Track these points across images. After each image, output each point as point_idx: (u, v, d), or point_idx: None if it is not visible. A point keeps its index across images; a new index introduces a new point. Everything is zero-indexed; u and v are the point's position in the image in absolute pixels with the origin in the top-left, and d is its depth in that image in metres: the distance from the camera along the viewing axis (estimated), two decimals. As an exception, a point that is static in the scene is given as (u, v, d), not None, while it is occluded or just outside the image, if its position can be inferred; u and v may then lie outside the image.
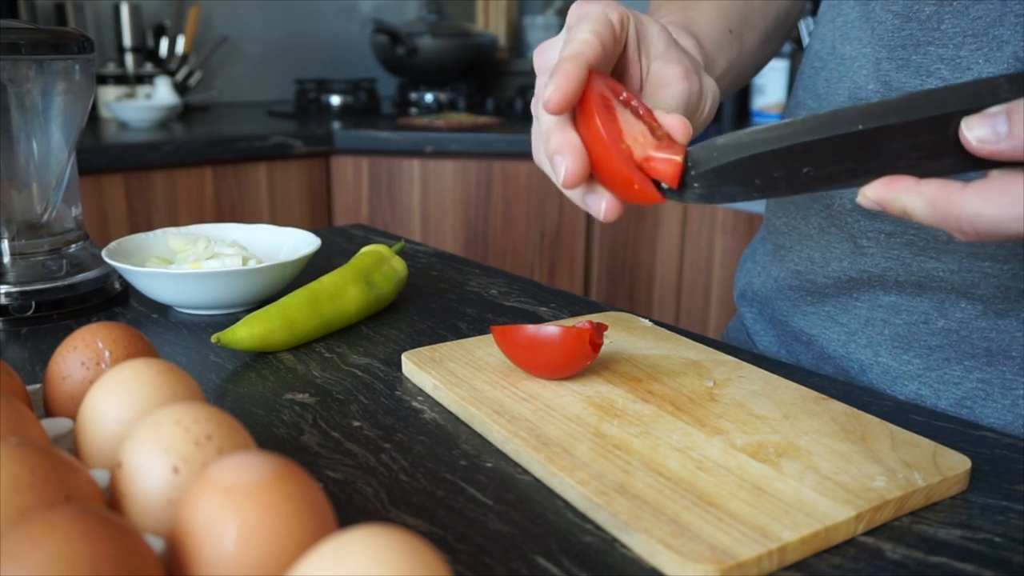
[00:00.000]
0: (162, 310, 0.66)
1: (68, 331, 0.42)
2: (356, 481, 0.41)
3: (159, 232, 0.71)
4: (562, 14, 2.37)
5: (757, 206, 1.48)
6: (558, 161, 0.40)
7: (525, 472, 0.42)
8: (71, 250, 0.67)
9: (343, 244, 0.87)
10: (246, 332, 0.55)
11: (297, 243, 0.71)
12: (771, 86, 1.91)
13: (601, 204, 0.42)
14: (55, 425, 0.37)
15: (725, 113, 1.96)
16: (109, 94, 1.86)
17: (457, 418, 0.48)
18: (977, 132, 0.33)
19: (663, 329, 0.59)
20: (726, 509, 0.36)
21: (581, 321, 0.50)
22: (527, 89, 2.11)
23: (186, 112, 1.96)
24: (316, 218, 1.72)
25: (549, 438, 0.43)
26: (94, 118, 1.85)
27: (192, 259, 0.66)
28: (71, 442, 0.37)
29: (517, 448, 0.42)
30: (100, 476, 0.32)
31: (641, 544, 0.35)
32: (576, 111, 0.41)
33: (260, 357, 0.57)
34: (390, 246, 0.71)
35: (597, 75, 0.42)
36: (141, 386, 0.35)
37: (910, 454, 0.41)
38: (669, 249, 1.68)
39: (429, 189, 1.71)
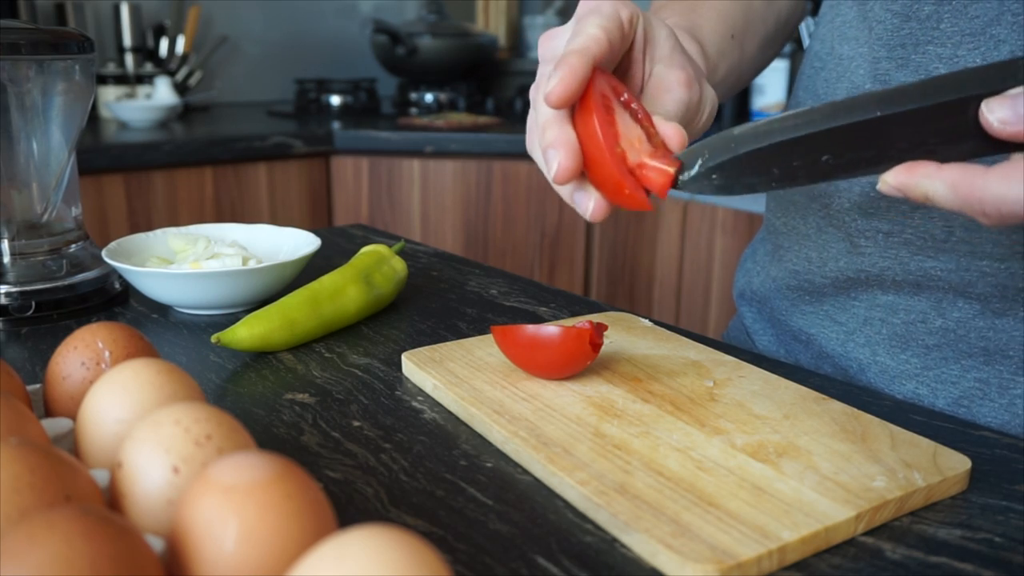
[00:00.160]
0: (162, 310, 0.66)
1: (68, 331, 0.42)
2: (356, 481, 0.41)
3: (159, 232, 0.71)
4: (562, 14, 2.37)
5: (758, 206, 1.48)
6: (551, 155, 0.40)
7: (525, 472, 0.42)
8: (71, 250, 0.67)
9: (343, 244, 0.87)
10: (246, 332, 0.55)
11: (297, 243, 0.71)
12: (771, 86, 1.91)
13: (589, 204, 0.42)
14: (55, 425, 0.37)
15: (725, 113, 1.96)
16: (109, 94, 1.86)
17: (457, 418, 0.48)
18: (999, 114, 0.33)
19: (663, 329, 0.59)
20: (726, 509, 0.36)
21: (581, 321, 0.50)
22: (527, 89, 2.11)
23: (186, 112, 1.96)
24: (316, 218, 1.72)
25: (549, 438, 0.43)
26: (94, 118, 1.85)
27: (192, 259, 0.66)
28: (71, 442, 0.37)
29: (517, 448, 0.42)
30: (100, 476, 0.32)
31: (641, 544, 0.35)
32: (575, 107, 0.41)
33: (260, 357, 0.57)
34: (390, 246, 0.71)
35: (601, 72, 0.41)
36: (141, 386, 0.35)
37: (910, 454, 0.41)
38: (669, 249, 1.68)
39: (429, 189, 1.71)
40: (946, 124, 0.35)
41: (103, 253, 0.64)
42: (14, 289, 0.62)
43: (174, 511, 0.28)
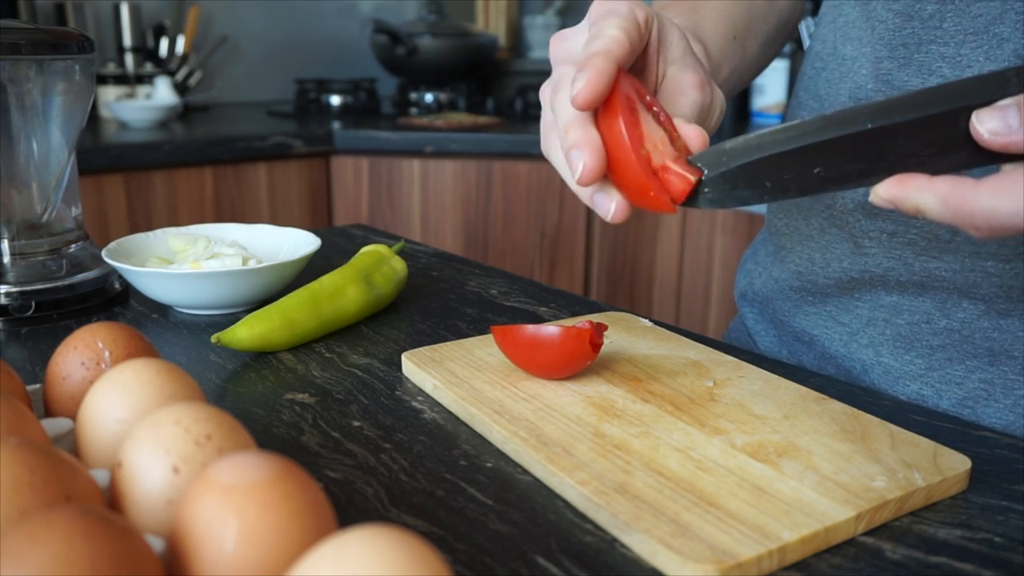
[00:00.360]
0: (162, 310, 0.66)
1: (68, 331, 0.42)
2: (356, 481, 0.41)
3: (159, 232, 0.71)
4: (562, 14, 2.37)
5: (758, 207, 1.48)
6: (576, 156, 0.40)
7: (525, 472, 0.42)
8: (71, 250, 0.67)
9: (343, 244, 0.87)
10: (246, 332, 0.55)
11: (297, 243, 0.71)
12: (771, 86, 1.91)
13: (611, 205, 0.41)
14: (55, 425, 0.37)
15: (726, 112, 1.96)
16: (109, 94, 1.86)
17: (457, 418, 0.48)
18: (989, 125, 0.33)
19: (663, 329, 0.59)
20: (726, 509, 0.36)
21: (581, 321, 0.50)
22: (527, 89, 2.11)
23: (186, 112, 1.96)
24: (316, 218, 1.72)
25: (549, 438, 0.43)
26: (94, 118, 1.85)
27: (192, 259, 0.66)
28: (71, 442, 0.37)
29: (517, 448, 0.42)
30: (100, 476, 0.32)
31: (641, 544, 0.35)
32: (599, 109, 0.41)
33: (260, 357, 0.57)
34: (390, 246, 0.71)
35: (625, 75, 0.41)
36: (141, 386, 0.35)
37: (910, 454, 0.41)
38: (669, 249, 1.68)
39: (429, 189, 1.71)
40: (937, 136, 0.35)
41: (103, 253, 0.64)
42: (14, 289, 0.62)
43: (174, 511, 0.28)
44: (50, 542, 0.23)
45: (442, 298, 0.70)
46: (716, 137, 0.44)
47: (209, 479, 0.27)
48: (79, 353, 0.40)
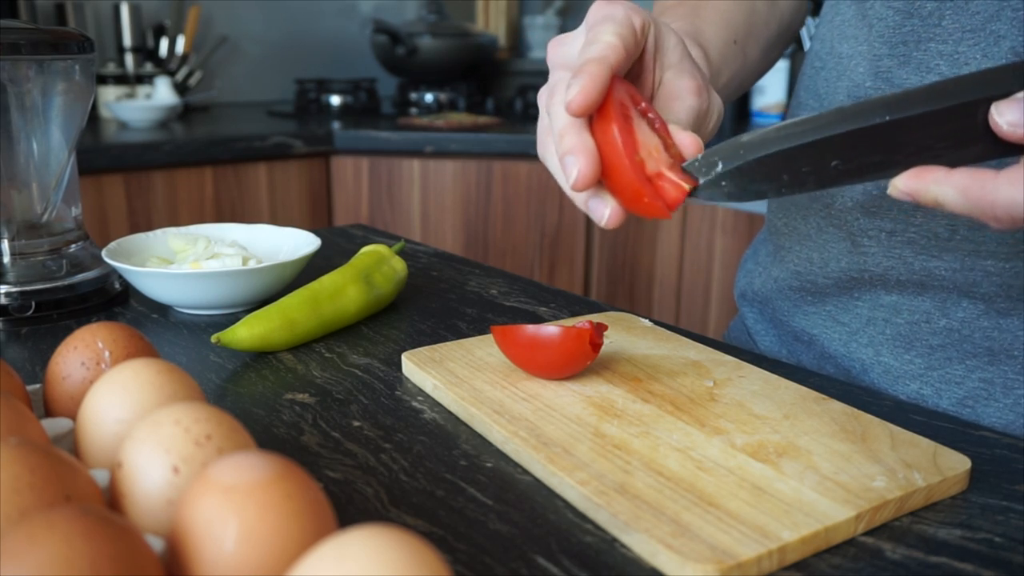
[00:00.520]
0: (162, 310, 0.66)
1: (68, 331, 0.42)
2: (356, 481, 0.41)
3: (159, 232, 0.71)
4: (562, 14, 2.37)
5: (758, 206, 1.48)
6: (570, 162, 0.40)
7: (525, 472, 0.42)
8: (71, 250, 0.67)
9: (343, 244, 0.87)
10: (246, 332, 0.55)
11: (297, 243, 0.71)
12: (771, 86, 1.91)
13: (605, 211, 0.42)
14: (55, 425, 0.37)
15: (725, 113, 1.96)
16: (109, 94, 1.86)
17: (457, 418, 0.48)
18: (1008, 116, 0.33)
19: (663, 329, 0.59)
20: (726, 509, 0.36)
21: (581, 321, 0.50)
22: (527, 89, 2.11)
23: (186, 112, 1.96)
24: (316, 218, 1.72)
25: (549, 438, 0.43)
26: (94, 118, 1.85)
27: (192, 259, 0.66)
28: (71, 442, 0.37)
29: (517, 448, 0.42)
30: (100, 476, 0.32)
31: (641, 544, 0.35)
32: (594, 115, 0.41)
33: (260, 357, 0.57)
34: (390, 246, 0.71)
35: (620, 81, 0.41)
36: (141, 386, 0.35)
37: (910, 454, 0.41)
38: (669, 249, 1.68)
39: (429, 189, 1.71)
40: (955, 128, 0.35)
41: (103, 253, 0.64)
42: (14, 289, 0.62)
43: (174, 511, 0.28)
44: (50, 542, 0.23)
45: (442, 298, 0.70)
46: (716, 139, 0.44)
47: (209, 479, 0.27)
48: (79, 353, 0.40)
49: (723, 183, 0.39)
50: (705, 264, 1.61)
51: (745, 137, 0.38)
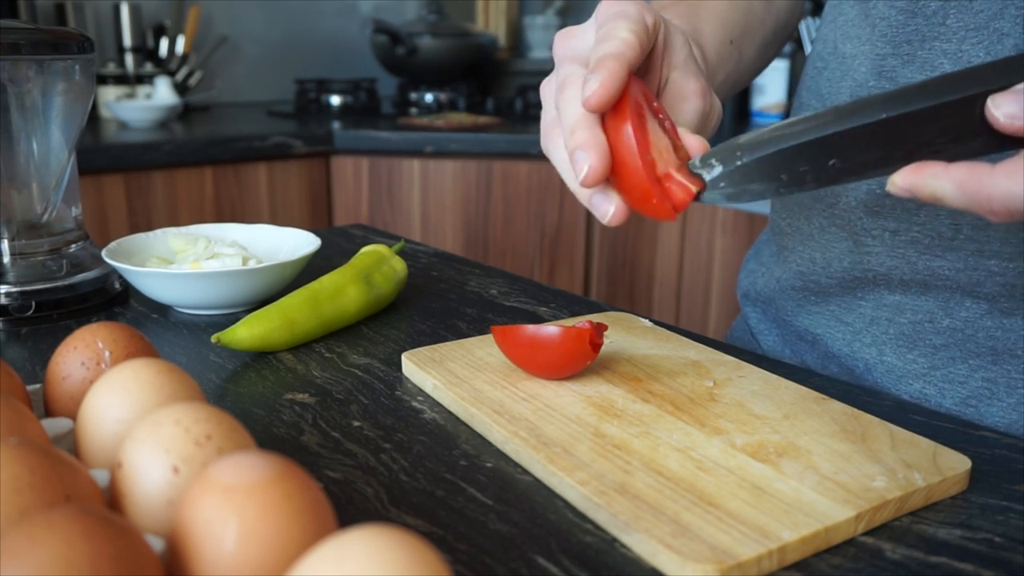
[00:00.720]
0: (162, 310, 0.66)
1: (68, 331, 0.42)
2: (356, 481, 0.41)
3: (159, 232, 0.71)
4: (562, 14, 2.37)
5: (758, 206, 1.48)
6: (581, 157, 0.39)
7: (525, 472, 0.42)
8: (71, 250, 0.67)
9: (343, 244, 0.87)
10: (246, 332, 0.55)
11: (297, 243, 0.71)
12: (771, 86, 1.91)
13: (610, 208, 0.41)
14: (55, 425, 0.37)
15: (725, 113, 1.96)
16: (109, 94, 1.86)
17: (457, 418, 0.48)
18: (1005, 109, 0.33)
19: (663, 329, 0.59)
20: (726, 509, 0.36)
21: (581, 321, 0.50)
22: (527, 89, 2.11)
23: (186, 112, 1.96)
24: (316, 218, 1.72)
25: (549, 438, 0.43)
26: (94, 118, 1.85)
27: (192, 259, 0.66)
28: (71, 442, 0.37)
29: (517, 448, 0.42)
30: (100, 476, 0.32)
31: (641, 544, 0.35)
32: (607, 111, 0.40)
33: (260, 357, 0.57)
34: (390, 246, 0.71)
35: (635, 79, 0.41)
36: (141, 386, 0.35)
37: (910, 454, 0.41)
38: (669, 249, 1.68)
39: (429, 189, 1.71)
40: (952, 123, 0.34)
41: (103, 253, 0.64)
42: (14, 289, 0.62)
43: (174, 511, 0.28)
44: (50, 542, 0.23)
45: (442, 298, 0.70)
46: (715, 140, 0.44)
47: (209, 479, 0.27)
48: (79, 353, 0.40)
49: (721, 184, 0.39)
50: (705, 264, 1.61)
51: (743, 138, 0.38)
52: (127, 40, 1.92)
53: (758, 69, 0.68)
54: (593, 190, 0.42)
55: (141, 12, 1.96)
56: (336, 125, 1.76)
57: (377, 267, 0.64)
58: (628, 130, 0.39)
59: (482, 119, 1.84)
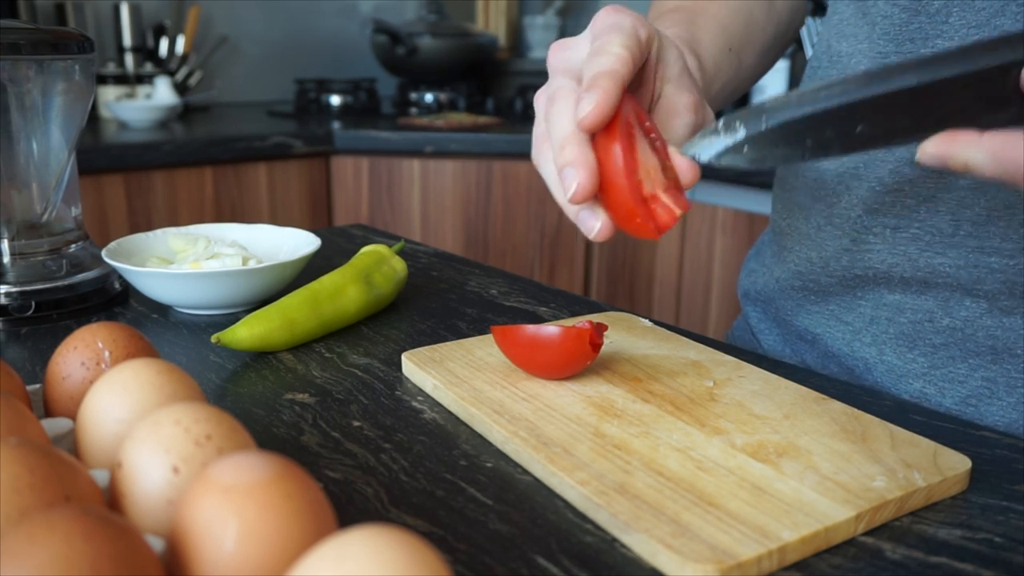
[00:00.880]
0: (162, 310, 0.66)
1: (68, 331, 0.42)
2: (356, 481, 0.41)
3: (159, 232, 0.71)
4: (562, 14, 2.37)
5: (758, 206, 1.48)
6: (570, 175, 0.40)
7: (525, 472, 0.42)
8: (71, 250, 0.67)
9: (343, 244, 0.87)
10: (246, 332, 0.55)
11: (297, 243, 0.71)
12: (771, 86, 1.91)
13: (595, 224, 0.42)
14: (55, 425, 0.37)
15: (724, 112, 1.96)
16: (109, 94, 1.86)
17: (457, 418, 0.48)
18: None
19: (663, 329, 0.59)
20: (726, 509, 0.36)
21: (581, 321, 0.50)
22: (527, 89, 2.11)
23: (186, 112, 1.96)
24: (316, 218, 1.72)
25: (549, 438, 0.43)
26: (94, 118, 1.85)
27: (192, 259, 0.66)
28: (71, 442, 0.37)
29: (517, 448, 0.42)
30: (100, 476, 0.32)
31: (641, 544, 0.35)
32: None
33: (260, 357, 0.57)
34: (390, 246, 0.71)
35: (628, 97, 0.41)
36: (141, 386, 0.35)
37: (910, 454, 0.41)
38: (669, 249, 1.68)
39: (429, 189, 1.71)
40: (985, 92, 0.34)
41: (103, 253, 0.64)
42: (14, 289, 0.62)
43: (174, 511, 0.28)
44: (50, 542, 0.23)
45: (442, 298, 0.70)
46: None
47: (209, 479, 0.27)
48: (79, 353, 0.40)
49: (745, 148, 0.38)
50: (705, 264, 1.61)
51: (768, 102, 0.38)
52: (127, 40, 1.92)
53: (759, 75, 0.68)
54: (580, 206, 0.42)
55: (141, 12, 1.96)
56: (336, 125, 1.76)
57: (377, 267, 0.64)
58: (617, 150, 0.39)
59: (482, 119, 1.84)
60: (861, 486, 0.38)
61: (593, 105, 0.39)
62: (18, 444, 0.28)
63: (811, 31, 1.69)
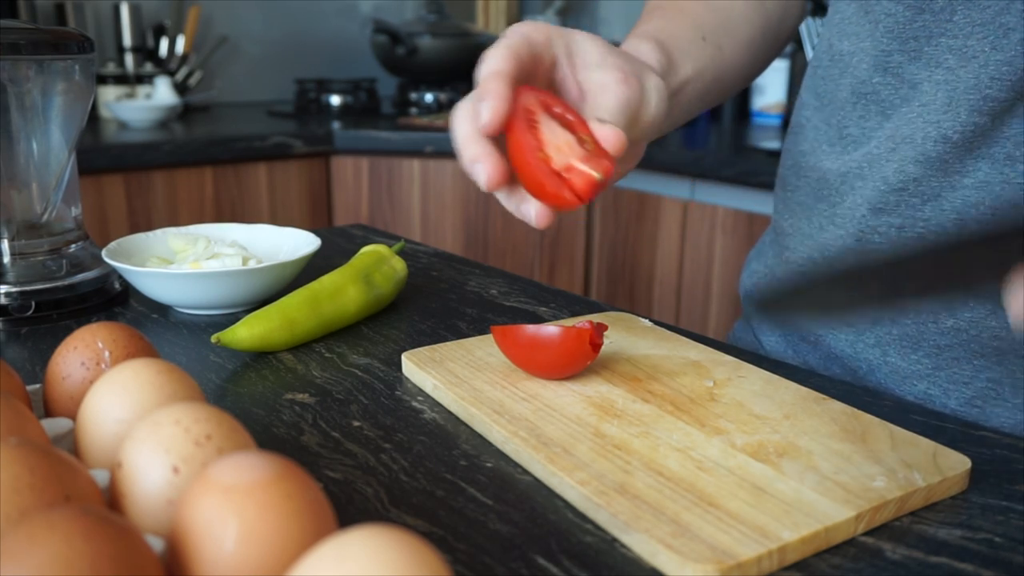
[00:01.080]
0: (162, 310, 0.66)
1: (68, 331, 0.42)
2: (356, 481, 0.41)
3: (159, 232, 0.71)
4: (562, 14, 2.37)
5: (758, 206, 1.48)
6: (477, 169, 0.44)
7: (525, 472, 0.42)
8: (71, 250, 0.67)
9: (343, 244, 0.87)
10: (246, 332, 0.55)
11: (297, 243, 0.71)
12: (771, 86, 1.91)
13: (531, 211, 0.46)
14: (55, 425, 0.37)
15: (725, 113, 1.96)
16: (109, 94, 1.86)
17: (457, 418, 0.48)
18: None
19: (663, 329, 0.59)
20: (726, 509, 0.36)
21: (581, 321, 0.50)
22: (527, 89, 2.11)
23: (186, 112, 1.96)
24: (316, 218, 1.72)
25: (549, 438, 0.43)
26: (94, 118, 1.85)
27: (192, 259, 0.66)
28: (71, 442, 0.37)
29: (517, 448, 0.42)
30: (100, 476, 0.32)
31: (641, 544, 0.35)
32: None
33: (260, 357, 0.57)
34: (390, 246, 0.71)
35: (527, 89, 0.45)
36: (141, 386, 0.35)
37: (910, 454, 0.41)
38: (669, 249, 1.68)
39: (429, 189, 1.71)
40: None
41: (103, 253, 0.64)
42: (14, 289, 0.62)
43: (174, 511, 0.28)
44: (50, 542, 0.23)
45: (442, 298, 0.70)
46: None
47: (209, 479, 0.27)
48: (79, 353, 0.40)
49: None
50: (705, 264, 1.61)
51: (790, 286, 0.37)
52: (127, 40, 1.92)
53: (748, 68, 0.68)
54: (517, 201, 0.46)
55: (141, 12, 1.96)
56: (336, 125, 1.76)
57: (377, 267, 0.64)
58: (517, 135, 0.44)
59: (482, 119, 1.83)
60: (861, 486, 0.38)
61: (489, 110, 0.43)
62: (18, 444, 0.28)
63: (811, 31, 1.69)
